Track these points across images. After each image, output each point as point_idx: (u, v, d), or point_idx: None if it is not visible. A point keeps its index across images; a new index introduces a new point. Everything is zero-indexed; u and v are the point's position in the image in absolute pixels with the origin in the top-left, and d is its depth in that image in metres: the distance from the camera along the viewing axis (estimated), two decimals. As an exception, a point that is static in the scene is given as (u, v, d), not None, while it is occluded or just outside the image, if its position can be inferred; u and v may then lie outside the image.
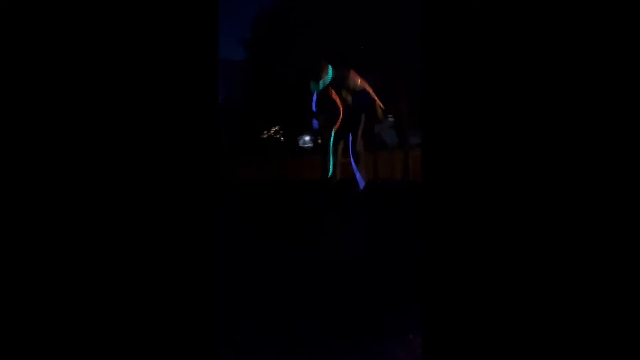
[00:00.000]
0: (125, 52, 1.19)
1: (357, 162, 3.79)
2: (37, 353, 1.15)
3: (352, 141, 3.80)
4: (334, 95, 3.61)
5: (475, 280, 1.19)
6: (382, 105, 3.79)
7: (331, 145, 3.78)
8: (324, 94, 3.67)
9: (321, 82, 3.59)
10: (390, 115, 11.78)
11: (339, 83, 3.63)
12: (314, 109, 3.80)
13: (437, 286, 1.22)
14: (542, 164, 1.15)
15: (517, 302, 1.17)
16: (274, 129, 14.85)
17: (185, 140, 1.23)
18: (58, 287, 1.17)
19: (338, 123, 3.66)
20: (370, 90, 3.71)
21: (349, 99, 3.70)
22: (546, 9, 1.13)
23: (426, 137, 1.25)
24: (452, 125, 1.21)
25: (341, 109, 3.64)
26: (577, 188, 1.14)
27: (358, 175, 3.75)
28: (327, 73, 3.57)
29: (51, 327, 1.16)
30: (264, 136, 14.62)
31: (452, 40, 1.19)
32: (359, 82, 3.67)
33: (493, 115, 1.18)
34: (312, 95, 3.78)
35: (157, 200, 1.22)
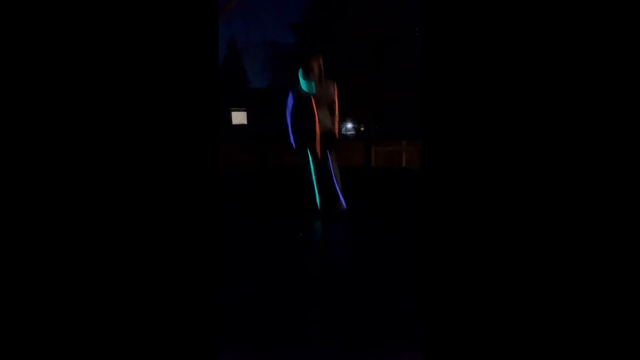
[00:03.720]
0: (125, 46, 1.19)
1: (337, 180, 3.47)
2: (37, 353, 1.16)
3: (330, 159, 3.47)
4: (314, 105, 3.34)
5: (475, 277, 1.19)
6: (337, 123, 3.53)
7: (312, 171, 3.44)
8: (302, 103, 3.36)
9: (309, 83, 3.28)
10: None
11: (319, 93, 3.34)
12: (289, 120, 3.45)
13: (437, 282, 1.22)
14: (541, 162, 1.15)
15: (516, 297, 1.17)
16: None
17: (184, 134, 1.23)
18: (54, 283, 1.17)
19: (317, 142, 3.37)
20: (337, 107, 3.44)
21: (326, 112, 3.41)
22: (546, 9, 1.13)
23: (426, 135, 1.26)
24: (452, 124, 1.21)
25: (317, 123, 3.36)
26: (576, 187, 1.13)
27: (340, 194, 3.45)
28: (315, 78, 3.28)
29: (50, 326, 1.16)
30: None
31: (452, 39, 1.19)
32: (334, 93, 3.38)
33: (492, 113, 1.18)
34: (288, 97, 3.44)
35: (154, 193, 1.22)
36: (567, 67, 1.13)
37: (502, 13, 1.16)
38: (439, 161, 1.24)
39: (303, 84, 3.32)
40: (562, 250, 1.14)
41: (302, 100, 3.35)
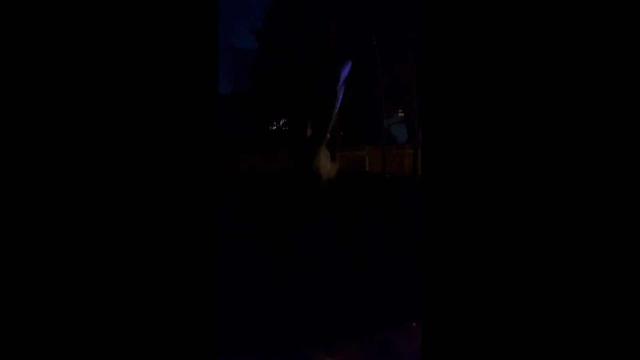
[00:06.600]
0: (125, 44, 1.18)
1: None
2: (38, 353, 1.14)
3: None
4: None
5: (473, 272, 1.19)
6: None
7: None
8: None
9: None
10: (400, 111, 11.79)
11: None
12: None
13: (436, 277, 1.23)
14: (540, 162, 1.16)
15: (513, 292, 1.17)
16: (283, 121, 14.78)
17: (184, 132, 1.22)
18: (56, 283, 1.16)
19: None
20: None
21: None
22: (546, 9, 1.13)
23: (426, 135, 1.27)
24: (452, 124, 1.21)
25: None
26: (574, 187, 1.14)
27: None
28: None
29: (51, 326, 1.15)
30: (273, 128, 14.56)
31: (452, 40, 1.19)
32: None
33: (492, 114, 1.18)
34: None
35: (154, 194, 1.20)
36: (568, 69, 1.12)
37: (501, 15, 1.15)
38: (439, 165, 1.23)
39: None
40: (561, 250, 1.15)
41: None
